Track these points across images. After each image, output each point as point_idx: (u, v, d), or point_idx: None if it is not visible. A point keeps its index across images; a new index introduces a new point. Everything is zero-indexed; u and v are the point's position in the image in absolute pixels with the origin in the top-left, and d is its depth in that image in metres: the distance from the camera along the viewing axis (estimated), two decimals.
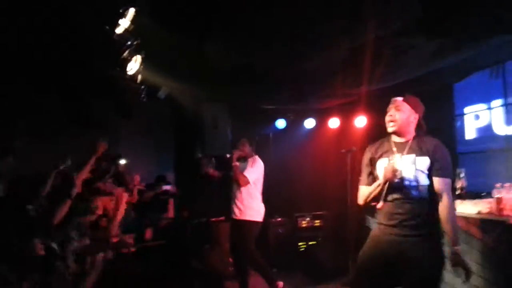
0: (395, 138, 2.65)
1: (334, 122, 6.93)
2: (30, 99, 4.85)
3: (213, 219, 5.60)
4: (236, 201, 4.54)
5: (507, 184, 2.95)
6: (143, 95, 4.44)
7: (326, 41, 3.71)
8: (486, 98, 5.33)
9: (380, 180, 2.56)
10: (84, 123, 5.46)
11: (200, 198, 5.87)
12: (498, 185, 2.96)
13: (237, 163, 4.56)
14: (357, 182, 3.10)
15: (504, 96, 5.06)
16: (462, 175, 3.48)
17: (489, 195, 3.16)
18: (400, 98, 2.66)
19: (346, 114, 6.90)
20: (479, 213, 3.00)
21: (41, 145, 4.87)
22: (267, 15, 3.14)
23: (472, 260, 3.00)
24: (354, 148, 5.04)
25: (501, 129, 5.11)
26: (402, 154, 2.55)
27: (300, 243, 5.94)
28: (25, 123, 4.67)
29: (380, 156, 2.66)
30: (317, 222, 6.12)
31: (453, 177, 3.57)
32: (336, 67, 4.45)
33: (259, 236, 4.46)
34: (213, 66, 4.05)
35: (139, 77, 3.79)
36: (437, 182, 2.45)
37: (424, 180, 2.48)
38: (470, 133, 5.57)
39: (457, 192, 3.53)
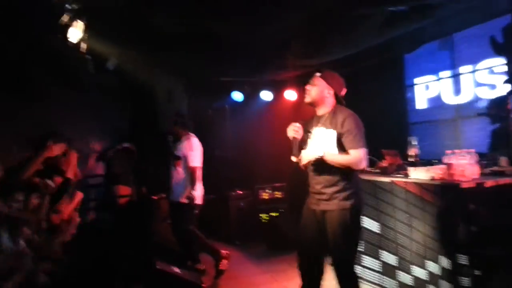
0: (318, 112, 2.85)
1: (291, 94, 6.94)
2: None
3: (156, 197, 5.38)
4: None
5: (457, 151, 3.04)
6: (90, 66, 4.13)
7: (278, 11, 3.61)
8: (435, 69, 5.48)
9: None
10: (27, 97, 5.06)
11: (154, 174, 5.68)
12: (448, 152, 3.05)
13: None
14: None
15: (452, 67, 5.23)
16: (414, 143, 3.56)
17: (440, 161, 3.26)
18: (318, 74, 2.83)
19: (303, 86, 6.88)
20: (432, 179, 3.09)
21: None
22: None
23: (426, 223, 3.13)
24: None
25: (450, 99, 5.29)
26: (316, 127, 2.76)
27: (262, 215, 5.94)
28: None
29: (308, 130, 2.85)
30: (278, 194, 6.12)
31: (406, 145, 3.71)
32: (290, 39, 4.38)
33: (221, 210, 4.35)
34: (165, 35, 3.83)
35: (83, 45, 3.50)
36: (352, 153, 2.58)
37: (332, 151, 2.63)
38: (421, 103, 5.73)
39: (411, 159, 3.62)
